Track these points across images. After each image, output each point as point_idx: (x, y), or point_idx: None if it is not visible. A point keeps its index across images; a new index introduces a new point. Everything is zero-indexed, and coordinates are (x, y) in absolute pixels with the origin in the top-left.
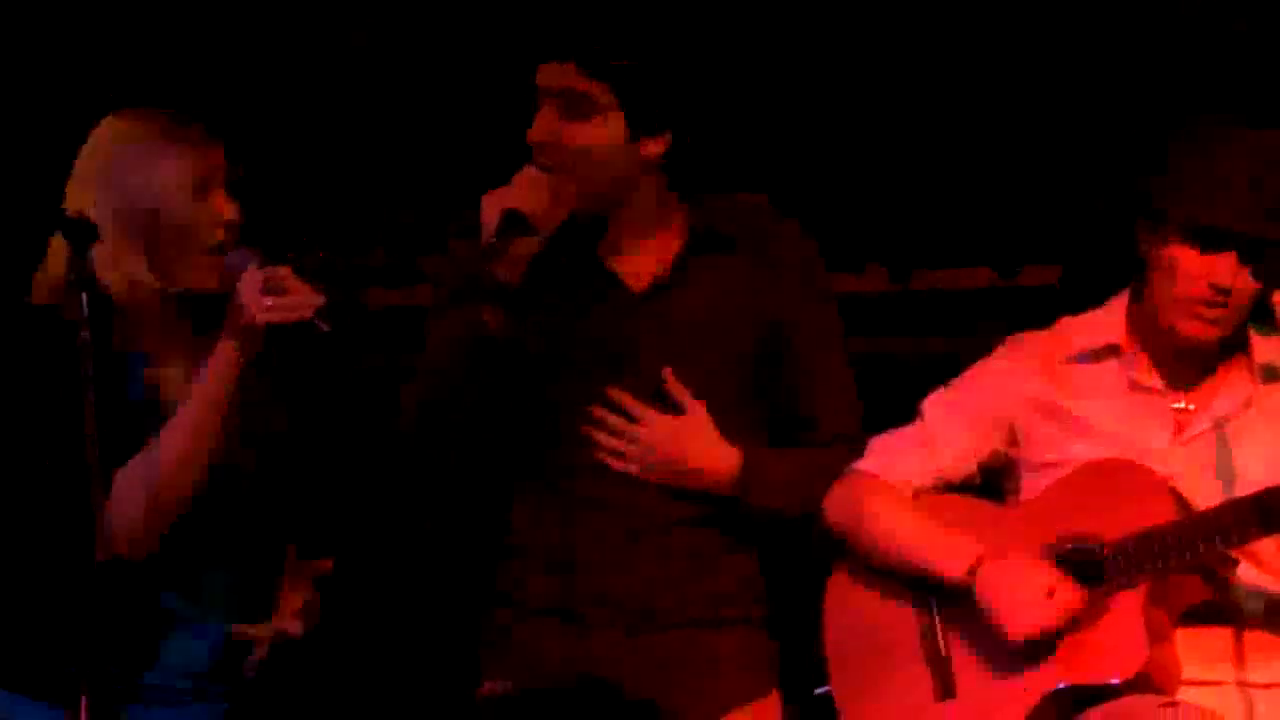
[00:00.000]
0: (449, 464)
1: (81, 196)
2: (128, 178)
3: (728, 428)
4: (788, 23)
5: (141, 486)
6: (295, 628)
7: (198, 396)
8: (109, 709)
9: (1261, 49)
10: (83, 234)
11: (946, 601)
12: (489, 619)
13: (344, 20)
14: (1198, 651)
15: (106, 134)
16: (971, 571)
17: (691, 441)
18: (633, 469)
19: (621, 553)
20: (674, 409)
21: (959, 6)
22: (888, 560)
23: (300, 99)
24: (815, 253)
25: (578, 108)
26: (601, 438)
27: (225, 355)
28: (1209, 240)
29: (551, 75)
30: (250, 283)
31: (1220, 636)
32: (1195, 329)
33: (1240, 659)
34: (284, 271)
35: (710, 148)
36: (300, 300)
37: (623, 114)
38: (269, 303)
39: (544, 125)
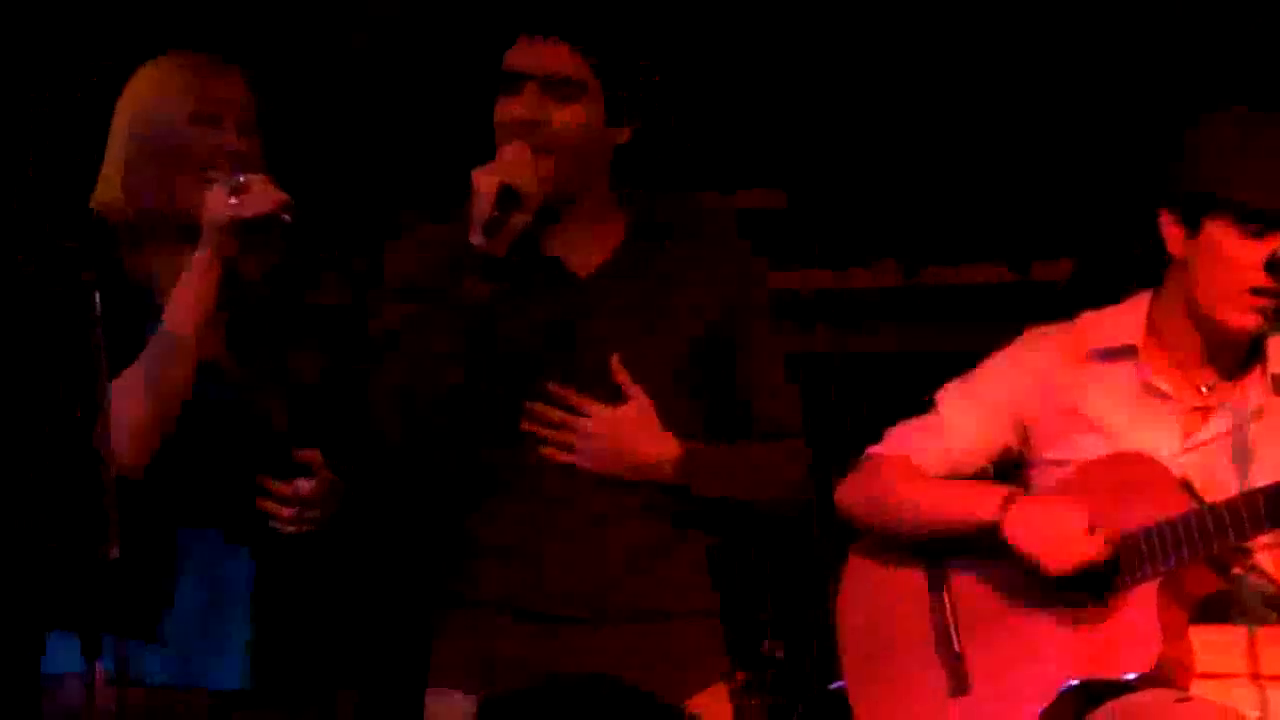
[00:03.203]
0: (425, 457)
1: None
2: (139, 101)
3: (666, 419)
4: (802, 16)
5: (132, 398)
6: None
7: (173, 309)
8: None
9: (1273, 42)
10: (101, 233)
11: (961, 592)
12: (440, 619)
13: (344, 22)
14: (1211, 646)
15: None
16: (1004, 506)
17: (634, 431)
18: (573, 459)
19: (572, 546)
20: (617, 396)
21: (972, 5)
22: (910, 524)
23: (300, 101)
24: (751, 251)
25: (563, 89)
26: (544, 432)
27: (199, 264)
28: (1261, 225)
29: (538, 56)
30: (218, 189)
31: (1233, 630)
32: (1248, 321)
33: (1254, 653)
34: (249, 176)
35: (663, 142)
36: (262, 193)
37: (603, 98)
38: (234, 200)
39: (530, 104)
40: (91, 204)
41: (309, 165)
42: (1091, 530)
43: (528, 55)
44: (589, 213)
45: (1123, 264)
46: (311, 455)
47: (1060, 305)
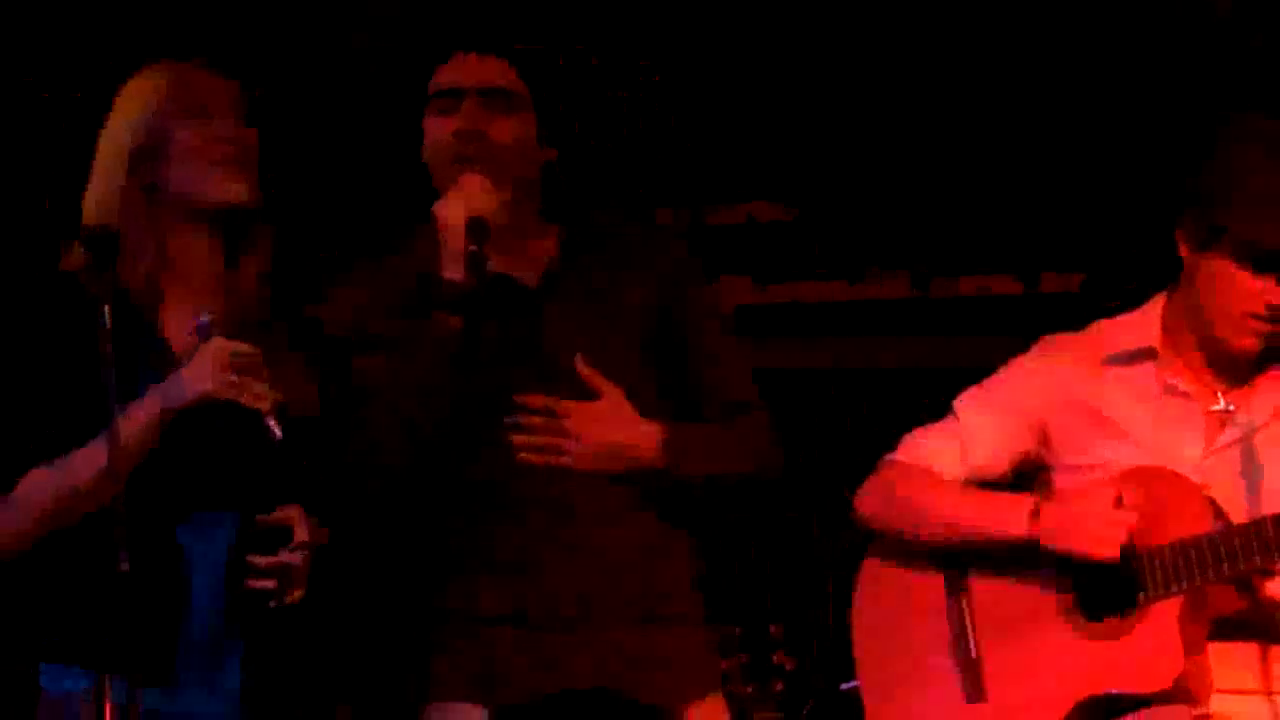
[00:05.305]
0: (415, 489)
1: (97, 168)
2: (126, 114)
3: (638, 410)
4: (812, 31)
5: (47, 498)
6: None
7: (109, 443)
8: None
9: None
10: (104, 246)
11: (980, 598)
12: (439, 634)
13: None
14: (1225, 662)
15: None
16: (1033, 518)
17: (615, 421)
18: (563, 461)
19: (563, 551)
20: (589, 395)
21: (983, 17)
22: (936, 535)
23: (300, 102)
24: (684, 242)
25: (500, 100)
26: (522, 440)
27: (150, 408)
28: (1267, 261)
29: (474, 69)
30: (219, 350)
31: (1246, 648)
32: (1247, 343)
33: (1266, 670)
34: (257, 357)
35: (672, 156)
36: (260, 391)
37: (534, 116)
38: (233, 378)
39: (470, 115)
40: (85, 224)
41: (308, 168)
42: (1119, 501)
43: (464, 70)
44: (523, 227)
45: (1132, 277)
46: (290, 514)
47: (1071, 318)
